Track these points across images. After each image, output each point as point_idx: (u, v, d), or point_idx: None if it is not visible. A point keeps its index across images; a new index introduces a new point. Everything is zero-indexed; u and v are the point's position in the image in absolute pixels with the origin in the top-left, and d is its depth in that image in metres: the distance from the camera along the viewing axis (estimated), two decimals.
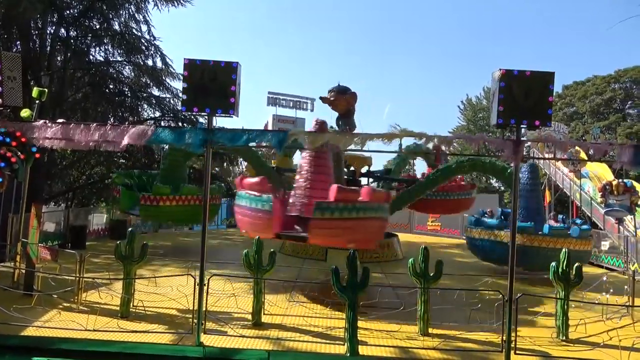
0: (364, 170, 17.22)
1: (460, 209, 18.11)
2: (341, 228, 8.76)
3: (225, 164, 25.14)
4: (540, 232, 12.61)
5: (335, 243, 9.54)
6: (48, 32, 19.23)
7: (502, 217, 14.58)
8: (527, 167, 13.96)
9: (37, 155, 8.09)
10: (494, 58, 76.02)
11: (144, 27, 21.83)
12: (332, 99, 13.15)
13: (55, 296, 8.58)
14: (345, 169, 17.06)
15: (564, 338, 7.93)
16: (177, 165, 16.23)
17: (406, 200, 16.20)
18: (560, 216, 15.11)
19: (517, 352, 7.16)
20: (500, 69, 7.11)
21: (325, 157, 10.87)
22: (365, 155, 16.07)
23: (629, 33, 64.60)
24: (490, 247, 13.34)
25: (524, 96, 7.05)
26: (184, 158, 16.41)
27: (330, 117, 16.37)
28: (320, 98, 13.49)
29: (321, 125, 10.61)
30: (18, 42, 18.64)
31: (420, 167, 42.80)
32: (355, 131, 13.18)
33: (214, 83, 7.24)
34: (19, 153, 7.66)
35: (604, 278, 9.88)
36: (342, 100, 13.10)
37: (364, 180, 17.51)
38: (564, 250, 8.45)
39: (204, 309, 7.34)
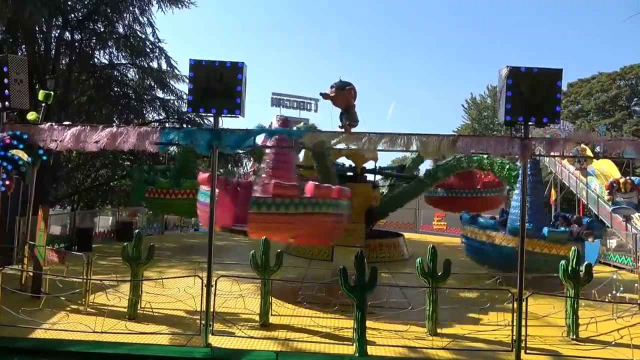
0: (367, 166, 17.16)
1: (489, 207, 16.75)
2: (278, 222, 8.91)
3: (230, 165, 25.12)
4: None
5: (275, 237, 9.30)
6: (53, 35, 19.26)
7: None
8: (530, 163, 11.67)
9: (44, 158, 8.10)
10: (498, 56, 76.05)
11: (148, 30, 21.80)
12: (332, 94, 13.50)
13: (62, 298, 8.60)
14: (349, 165, 17.09)
15: (575, 337, 7.85)
16: (188, 162, 17.69)
17: (403, 200, 15.69)
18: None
19: (528, 351, 7.11)
20: (507, 66, 7.05)
21: (287, 153, 10.88)
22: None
23: (635, 29, 64.26)
24: (481, 247, 12.15)
25: (532, 93, 6.99)
26: (195, 155, 17.71)
27: (334, 115, 16.50)
28: (321, 94, 13.85)
29: (284, 121, 11.44)
30: (23, 46, 18.70)
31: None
32: (356, 126, 13.29)
33: (219, 83, 7.21)
34: (27, 156, 7.68)
35: (614, 276, 9.79)
36: (342, 95, 13.40)
37: (369, 177, 17.47)
38: (573, 248, 8.37)
39: (211, 310, 7.33)
